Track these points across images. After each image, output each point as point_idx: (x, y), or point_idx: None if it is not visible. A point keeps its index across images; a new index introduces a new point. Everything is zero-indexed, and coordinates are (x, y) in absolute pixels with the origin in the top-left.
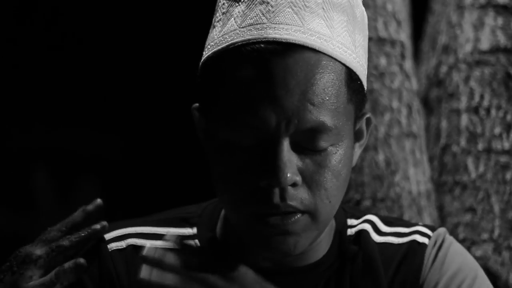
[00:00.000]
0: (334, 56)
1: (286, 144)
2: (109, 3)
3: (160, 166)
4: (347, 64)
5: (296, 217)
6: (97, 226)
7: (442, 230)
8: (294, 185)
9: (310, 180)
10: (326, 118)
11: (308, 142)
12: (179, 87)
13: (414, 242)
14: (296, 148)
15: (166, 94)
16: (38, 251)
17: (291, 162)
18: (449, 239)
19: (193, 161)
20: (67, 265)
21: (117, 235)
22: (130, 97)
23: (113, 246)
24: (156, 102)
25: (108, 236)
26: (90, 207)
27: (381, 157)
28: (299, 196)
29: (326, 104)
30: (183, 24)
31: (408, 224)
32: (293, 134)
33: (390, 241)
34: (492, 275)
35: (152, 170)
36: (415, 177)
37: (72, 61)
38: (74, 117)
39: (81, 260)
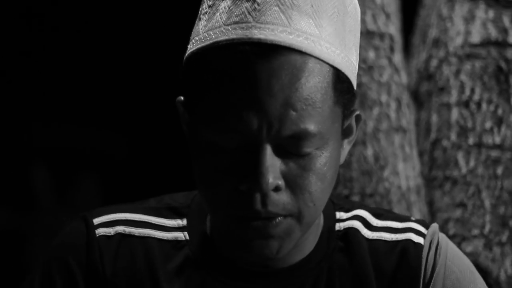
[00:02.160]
0: (322, 58)
1: (268, 149)
2: (113, 2)
3: (161, 163)
4: (335, 65)
5: (278, 219)
6: None
7: (435, 227)
8: (276, 189)
9: (293, 184)
10: (308, 125)
11: (292, 147)
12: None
13: (409, 242)
14: (279, 151)
15: (168, 91)
16: None
17: (273, 167)
18: (444, 239)
19: None
20: None
21: (106, 220)
22: (131, 95)
23: (101, 231)
24: (158, 99)
25: (97, 220)
26: None
27: (369, 152)
28: (281, 201)
29: (309, 110)
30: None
31: (400, 218)
32: (276, 139)
33: (383, 238)
34: (482, 271)
35: (153, 167)
36: (405, 172)
37: (73, 58)
38: (73, 115)
39: None
